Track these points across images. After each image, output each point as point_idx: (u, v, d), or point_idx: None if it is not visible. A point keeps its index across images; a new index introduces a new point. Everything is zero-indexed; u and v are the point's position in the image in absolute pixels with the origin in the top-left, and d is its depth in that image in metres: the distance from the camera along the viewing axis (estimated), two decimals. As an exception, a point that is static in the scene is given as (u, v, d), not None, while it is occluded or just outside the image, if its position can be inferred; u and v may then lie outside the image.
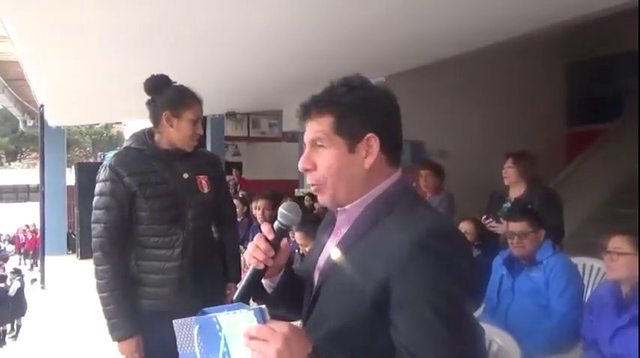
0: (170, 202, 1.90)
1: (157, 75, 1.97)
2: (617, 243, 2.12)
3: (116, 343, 1.90)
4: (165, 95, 1.94)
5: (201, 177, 1.99)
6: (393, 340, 0.92)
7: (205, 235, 2.00)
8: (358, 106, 1.00)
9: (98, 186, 1.91)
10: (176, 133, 1.93)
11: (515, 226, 2.63)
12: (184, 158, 1.97)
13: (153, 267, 1.91)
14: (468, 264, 0.96)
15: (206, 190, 1.98)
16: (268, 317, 0.88)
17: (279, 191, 4.37)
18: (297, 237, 3.10)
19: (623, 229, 2.21)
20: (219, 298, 2.04)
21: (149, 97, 1.97)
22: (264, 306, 0.89)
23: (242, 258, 3.97)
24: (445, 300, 0.90)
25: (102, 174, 1.92)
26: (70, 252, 9.06)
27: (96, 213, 1.90)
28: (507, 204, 3.26)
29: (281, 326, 0.86)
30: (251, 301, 1.10)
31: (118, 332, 1.88)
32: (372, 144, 1.00)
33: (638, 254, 2.06)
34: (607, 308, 2.14)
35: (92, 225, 1.91)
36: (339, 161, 1.01)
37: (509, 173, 3.29)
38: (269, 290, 1.15)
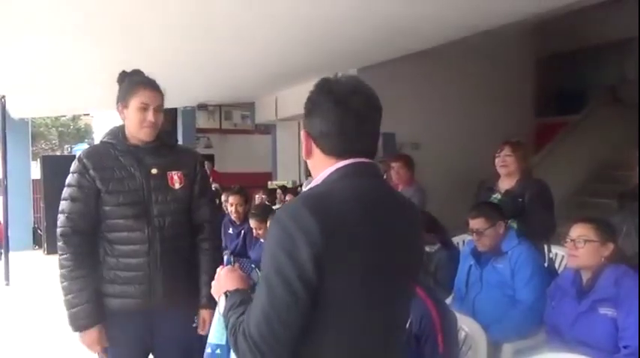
0: (134, 198, 1.87)
1: (130, 70, 1.95)
2: (582, 230, 2.16)
3: (77, 335, 1.87)
4: (121, 87, 1.92)
5: (174, 173, 1.93)
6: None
7: (176, 233, 1.93)
8: (304, 109, 1.18)
9: (68, 178, 1.92)
10: (128, 124, 1.90)
11: (473, 223, 2.67)
12: (156, 153, 1.93)
13: (120, 264, 1.88)
14: (306, 245, 0.99)
15: (177, 186, 1.93)
16: (231, 264, 1.31)
17: (243, 187, 4.40)
18: (252, 223, 3.60)
19: (585, 217, 2.27)
20: (193, 302, 2.00)
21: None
22: (230, 257, 1.34)
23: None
24: (273, 267, 1.02)
25: (72, 166, 1.92)
26: (37, 247, 8.79)
27: (62, 204, 1.91)
28: (497, 196, 3.11)
29: (224, 269, 1.27)
30: None
31: (78, 322, 1.85)
32: (303, 138, 1.18)
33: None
34: (568, 295, 2.21)
35: (58, 216, 1.90)
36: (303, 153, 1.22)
37: (508, 161, 3.06)
38: None
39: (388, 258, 1.10)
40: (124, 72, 1.96)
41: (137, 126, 1.88)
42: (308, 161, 1.19)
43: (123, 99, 1.90)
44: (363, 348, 1.09)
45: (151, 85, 1.90)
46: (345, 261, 1.03)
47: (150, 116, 1.87)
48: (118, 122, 2.01)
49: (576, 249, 2.15)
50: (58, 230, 1.88)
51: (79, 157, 1.91)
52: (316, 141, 1.14)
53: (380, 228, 1.09)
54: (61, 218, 1.89)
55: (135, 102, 1.87)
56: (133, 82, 1.91)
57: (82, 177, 1.88)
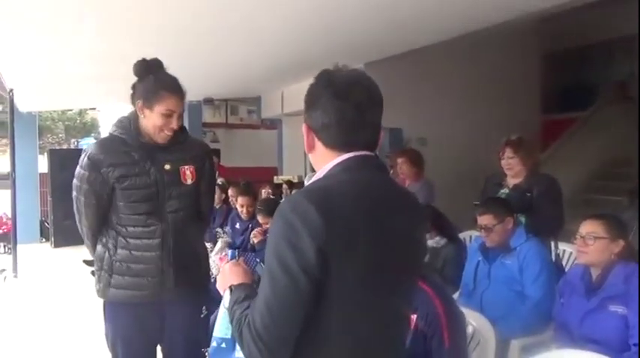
0: (148, 194, 1.86)
1: (149, 59, 1.89)
2: (592, 227, 2.14)
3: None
4: (144, 83, 1.87)
5: (186, 167, 1.92)
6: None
7: (188, 227, 1.94)
8: (305, 102, 1.16)
9: (77, 171, 1.90)
10: (146, 124, 1.87)
11: (481, 219, 2.66)
12: (168, 148, 1.91)
13: (132, 257, 1.88)
14: (309, 237, 0.99)
15: (189, 181, 1.93)
16: (235, 259, 1.34)
17: (251, 183, 4.41)
18: (259, 218, 3.71)
19: (595, 214, 2.25)
20: (203, 294, 2.03)
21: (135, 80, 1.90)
22: (235, 251, 1.31)
23: (221, 241, 4.00)
24: (276, 259, 1.02)
25: (82, 159, 1.89)
26: (44, 240, 8.84)
27: (75, 196, 1.92)
28: (505, 191, 3.06)
29: (228, 263, 1.27)
30: None
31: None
32: (304, 131, 1.16)
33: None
34: (577, 292, 2.19)
35: (74, 204, 1.94)
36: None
37: (512, 164, 3.02)
38: None
39: (390, 252, 1.10)
40: (144, 61, 1.89)
41: (157, 129, 1.86)
42: (310, 155, 1.17)
43: (147, 101, 1.85)
44: (366, 340, 1.10)
45: (178, 91, 1.87)
46: (347, 253, 1.03)
47: (173, 123, 1.86)
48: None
49: (586, 246, 2.13)
50: (77, 224, 1.96)
51: (90, 154, 1.86)
52: (317, 133, 1.13)
53: (382, 223, 1.09)
54: (77, 210, 1.93)
55: (160, 108, 1.84)
56: (160, 84, 1.85)
57: (92, 173, 1.85)
